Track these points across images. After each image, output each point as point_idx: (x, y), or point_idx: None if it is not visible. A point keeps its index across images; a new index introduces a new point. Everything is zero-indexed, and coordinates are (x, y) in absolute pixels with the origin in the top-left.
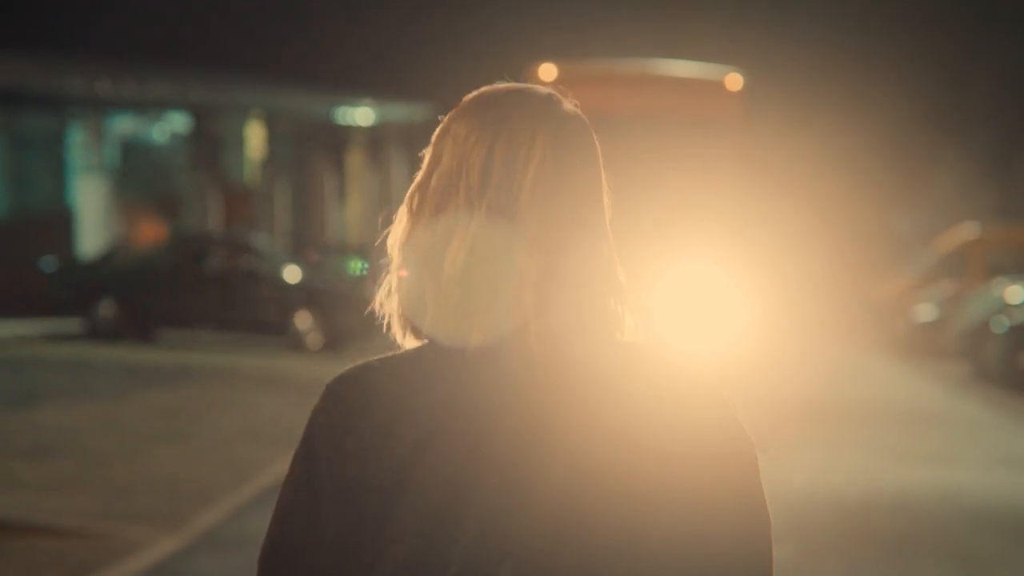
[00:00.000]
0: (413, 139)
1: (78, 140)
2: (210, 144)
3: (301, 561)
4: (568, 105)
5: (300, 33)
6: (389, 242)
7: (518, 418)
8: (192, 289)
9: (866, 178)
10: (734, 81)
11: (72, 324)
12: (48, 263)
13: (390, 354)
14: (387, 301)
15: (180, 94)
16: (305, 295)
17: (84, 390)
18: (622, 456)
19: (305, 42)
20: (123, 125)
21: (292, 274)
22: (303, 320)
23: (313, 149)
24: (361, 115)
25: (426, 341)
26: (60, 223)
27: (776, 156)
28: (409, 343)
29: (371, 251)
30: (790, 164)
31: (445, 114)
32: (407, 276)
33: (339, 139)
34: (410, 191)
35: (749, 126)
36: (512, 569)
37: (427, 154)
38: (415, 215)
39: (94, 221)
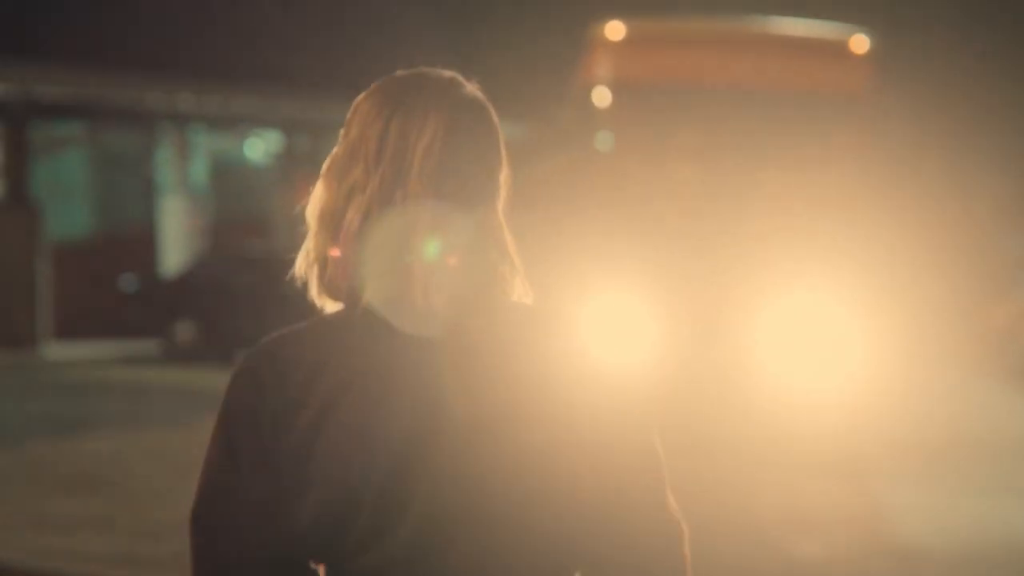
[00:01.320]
0: None
1: (165, 158)
2: (302, 163)
3: (228, 523)
4: (469, 89)
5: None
6: (307, 210)
7: (417, 376)
8: (273, 310)
9: (988, 184)
10: (860, 43)
11: (151, 346)
12: (128, 283)
13: (303, 323)
14: (303, 266)
15: (272, 111)
16: None
17: (139, 417)
18: (517, 408)
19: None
20: (214, 143)
21: None
22: None
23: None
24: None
25: (341, 306)
26: (145, 242)
27: (908, 145)
28: (328, 307)
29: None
30: (921, 157)
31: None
32: (312, 238)
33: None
34: (326, 162)
35: (880, 103)
36: (415, 519)
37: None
38: (326, 184)
39: (179, 240)
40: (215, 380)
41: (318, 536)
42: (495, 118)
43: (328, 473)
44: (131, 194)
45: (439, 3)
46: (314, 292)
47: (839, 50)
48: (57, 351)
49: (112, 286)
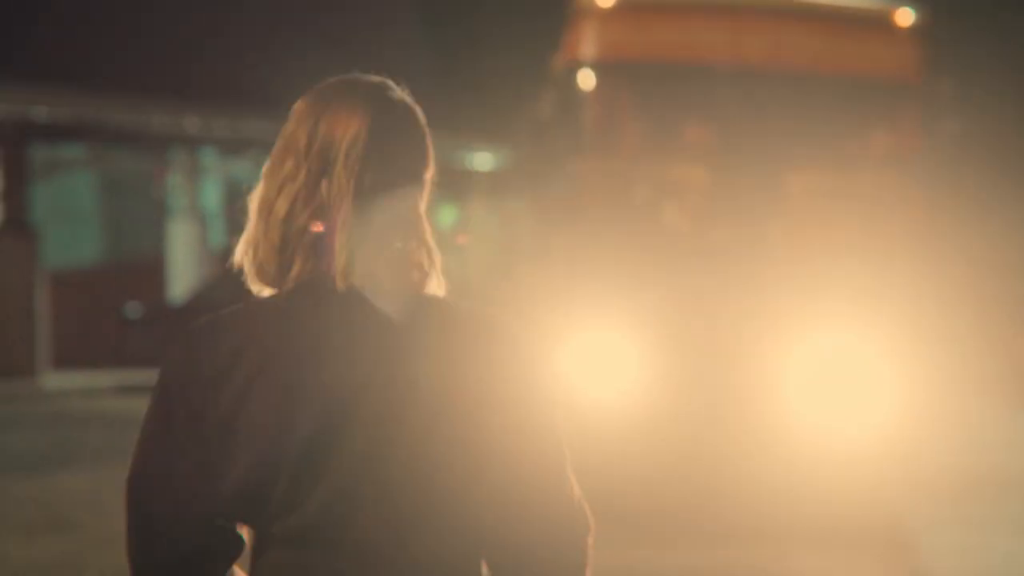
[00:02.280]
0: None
1: (174, 181)
2: None
3: (162, 486)
4: (396, 92)
5: (427, 77)
6: (247, 201)
7: (334, 356)
8: None
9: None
10: (904, 16)
11: (152, 376)
12: (133, 310)
13: (235, 306)
14: (240, 254)
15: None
16: None
17: (122, 452)
18: (426, 388)
19: (432, 87)
20: (224, 166)
21: None
22: None
23: (434, 194)
24: (480, 160)
25: (275, 290)
26: (153, 268)
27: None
28: (262, 291)
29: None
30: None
31: None
32: (249, 227)
33: (460, 183)
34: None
35: (929, 89)
36: (327, 489)
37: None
38: (265, 178)
39: (188, 265)
40: None
41: (242, 500)
42: (421, 119)
43: (250, 442)
44: (139, 218)
45: (443, 27)
46: (249, 277)
47: (880, 24)
48: (55, 381)
49: (117, 313)
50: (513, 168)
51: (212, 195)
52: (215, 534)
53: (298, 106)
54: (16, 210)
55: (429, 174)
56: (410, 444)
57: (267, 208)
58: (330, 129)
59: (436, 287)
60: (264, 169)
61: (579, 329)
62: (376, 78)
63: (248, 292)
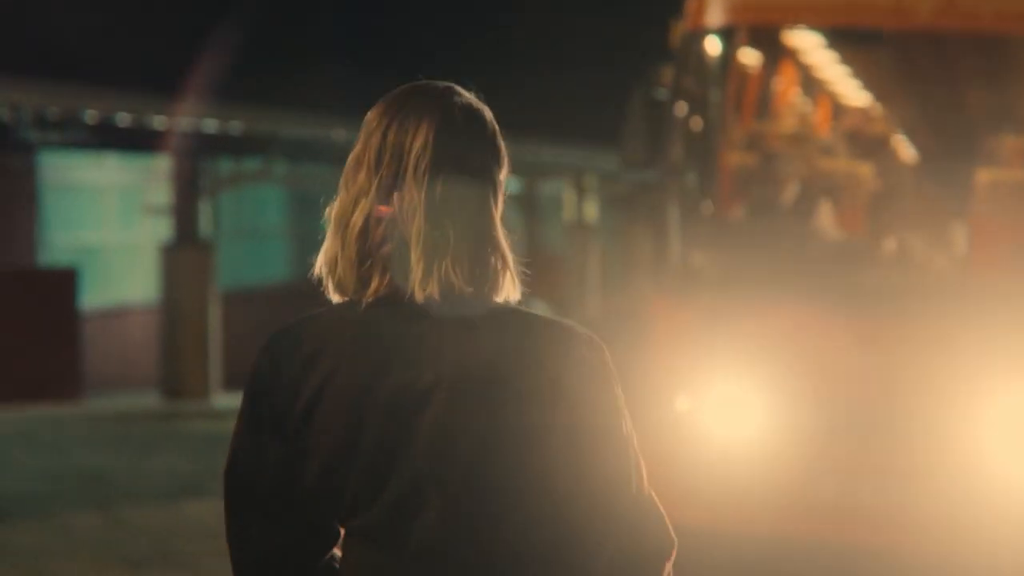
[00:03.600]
0: None
1: None
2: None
3: (252, 481)
4: (463, 97)
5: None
6: (327, 213)
7: (401, 363)
8: None
9: None
10: None
11: None
12: None
13: (315, 311)
14: (320, 265)
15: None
16: None
17: None
18: (497, 392)
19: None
20: None
21: None
22: None
23: (624, 213)
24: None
25: (350, 298)
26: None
27: None
28: (337, 299)
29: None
30: None
31: None
32: (327, 240)
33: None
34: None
35: None
36: (393, 492)
37: None
38: (341, 190)
39: None
40: None
41: (320, 497)
42: (490, 121)
43: (323, 442)
44: (322, 235)
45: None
46: (328, 291)
47: None
48: (226, 401)
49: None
50: (621, 170)
51: None
52: (304, 527)
53: (368, 116)
54: (189, 225)
55: (502, 175)
56: (476, 448)
57: (344, 222)
58: (398, 139)
59: (508, 292)
60: (340, 181)
61: (721, 365)
62: (442, 83)
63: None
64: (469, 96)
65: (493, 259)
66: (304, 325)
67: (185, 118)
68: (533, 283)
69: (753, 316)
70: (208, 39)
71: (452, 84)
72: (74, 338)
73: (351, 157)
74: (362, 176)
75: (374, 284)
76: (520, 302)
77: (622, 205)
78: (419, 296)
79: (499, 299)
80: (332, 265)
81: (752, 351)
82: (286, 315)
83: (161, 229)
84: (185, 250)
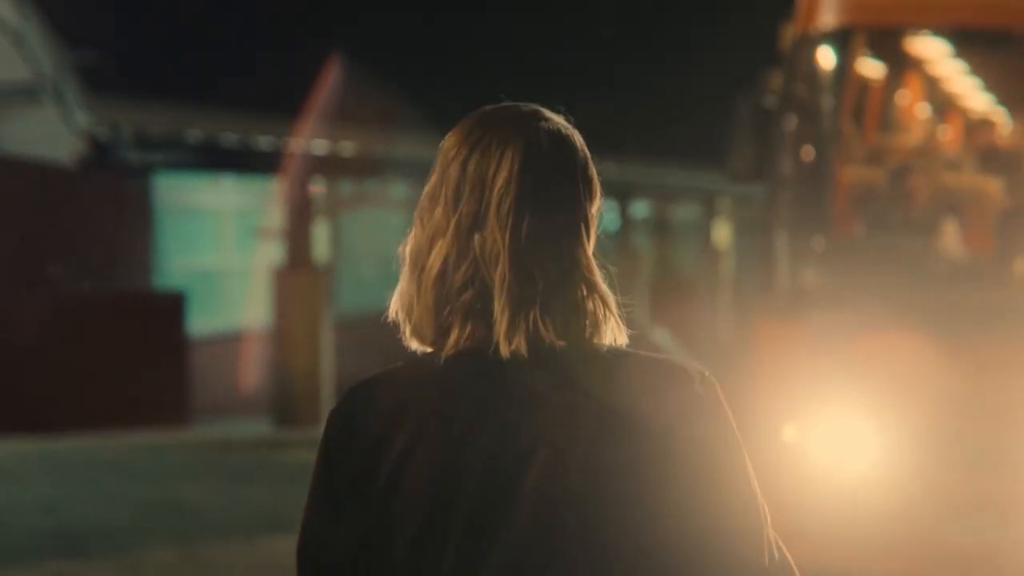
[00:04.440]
0: None
1: None
2: (640, 229)
3: (329, 559)
4: (551, 121)
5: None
6: (401, 249)
7: (492, 425)
8: None
9: None
10: None
11: None
12: None
13: (395, 365)
14: (395, 308)
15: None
16: None
17: None
18: (600, 464)
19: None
20: None
21: None
22: None
23: (758, 237)
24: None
25: (429, 348)
26: None
27: None
28: (417, 347)
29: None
30: None
31: None
32: (403, 280)
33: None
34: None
35: None
36: (496, 565)
37: None
38: (416, 225)
39: None
40: None
41: (412, 569)
42: (580, 148)
43: (412, 512)
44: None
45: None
46: (405, 335)
47: None
48: None
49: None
50: (726, 185)
51: None
52: None
53: (446, 144)
54: (302, 248)
55: (595, 208)
56: (581, 516)
57: (419, 263)
58: (479, 172)
59: (614, 336)
60: (415, 215)
61: (831, 393)
62: (529, 106)
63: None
64: (558, 120)
65: (591, 303)
66: (383, 379)
67: (301, 139)
68: (661, 309)
69: (868, 340)
70: (321, 58)
71: (538, 107)
72: (182, 363)
73: (427, 189)
74: (439, 213)
75: (454, 335)
76: (635, 339)
77: (756, 228)
78: (504, 350)
79: (603, 344)
80: (408, 311)
81: (865, 378)
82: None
83: (276, 253)
84: (297, 274)
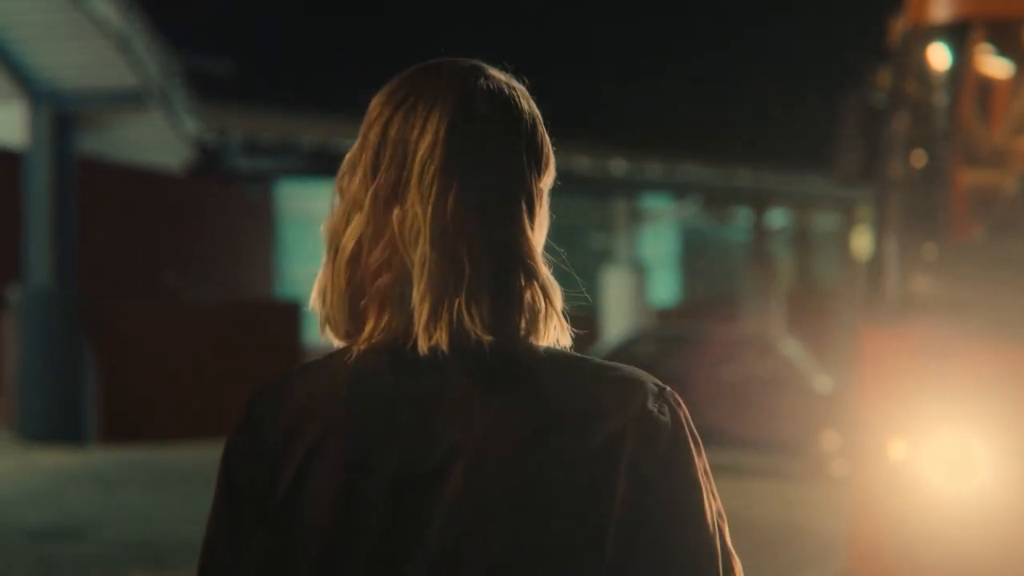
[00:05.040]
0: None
1: (613, 229)
2: (774, 238)
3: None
4: (492, 79)
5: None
6: (321, 228)
7: (404, 434)
8: (708, 395)
9: None
10: None
11: None
12: None
13: (307, 363)
14: (312, 297)
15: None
16: (833, 411)
17: None
18: (525, 485)
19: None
20: (681, 215)
21: (823, 385)
22: (829, 440)
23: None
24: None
25: (344, 341)
26: (586, 316)
27: None
28: (332, 340)
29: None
30: None
31: None
32: (321, 267)
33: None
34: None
35: None
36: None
37: None
38: (336, 198)
39: (622, 315)
40: None
41: None
42: (528, 111)
43: (315, 531)
44: (575, 265)
45: None
46: (320, 330)
47: None
48: None
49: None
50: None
51: (670, 245)
52: None
53: (371, 105)
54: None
55: (544, 182)
56: (506, 537)
57: (334, 244)
58: (400, 135)
59: (556, 335)
60: (334, 187)
61: (944, 407)
62: (468, 61)
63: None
64: (501, 77)
65: (528, 294)
66: (289, 381)
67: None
68: (798, 320)
69: (984, 351)
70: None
71: (479, 62)
72: None
73: (346, 158)
74: (356, 183)
75: (369, 326)
76: (619, 348)
77: None
78: (422, 345)
79: (539, 344)
80: (323, 298)
81: (980, 391)
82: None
83: None
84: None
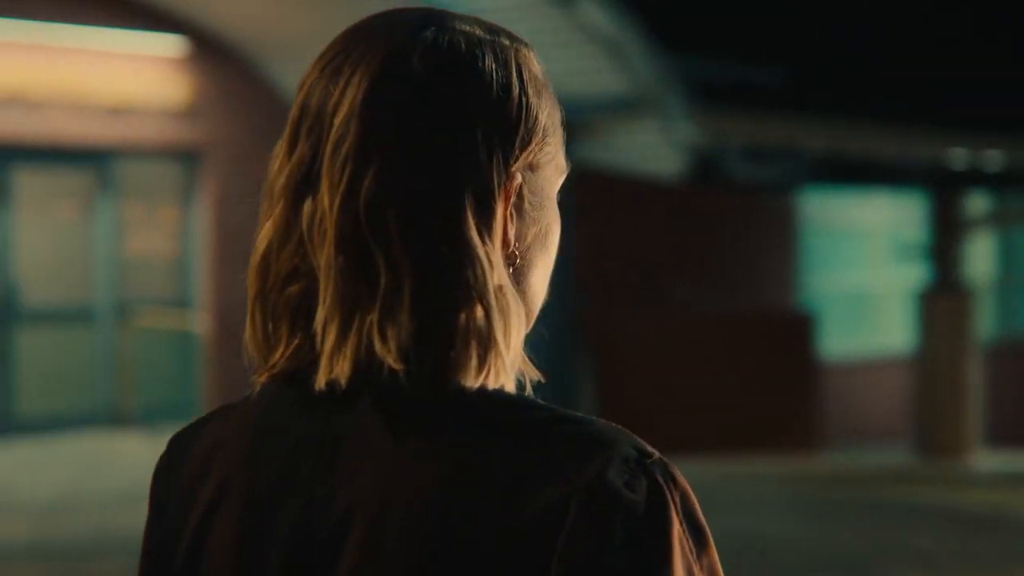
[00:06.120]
0: None
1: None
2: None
3: None
4: (448, 31)
5: None
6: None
7: (303, 486)
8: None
9: None
10: None
11: None
12: None
13: (234, 400)
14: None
15: None
16: None
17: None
18: (432, 559)
19: None
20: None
21: None
22: None
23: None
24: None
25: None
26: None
27: None
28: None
29: None
30: None
31: None
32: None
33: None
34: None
35: None
36: None
37: None
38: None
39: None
40: None
41: None
42: (493, 73)
43: None
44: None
45: None
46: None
47: None
48: (988, 462)
49: None
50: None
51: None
52: None
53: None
54: (949, 269)
55: (518, 165)
56: None
57: (254, 246)
58: (319, 105)
59: (496, 372)
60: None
61: None
62: (430, 8)
63: None
64: (466, 30)
65: (463, 317)
66: (207, 422)
67: (940, 150)
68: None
69: None
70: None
71: (445, 11)
72: (810, 388)
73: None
74: (275, 168)
75: (278, 351)
76: (539, 392)
77: None
78: (320, 377)
79: (473, 384)
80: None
81: None
82: None
83: (919, 273)
84: (941, 297)
